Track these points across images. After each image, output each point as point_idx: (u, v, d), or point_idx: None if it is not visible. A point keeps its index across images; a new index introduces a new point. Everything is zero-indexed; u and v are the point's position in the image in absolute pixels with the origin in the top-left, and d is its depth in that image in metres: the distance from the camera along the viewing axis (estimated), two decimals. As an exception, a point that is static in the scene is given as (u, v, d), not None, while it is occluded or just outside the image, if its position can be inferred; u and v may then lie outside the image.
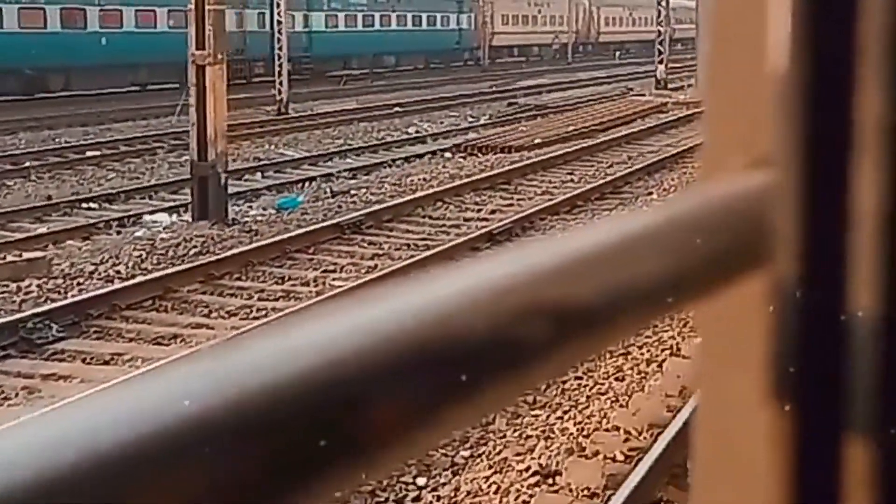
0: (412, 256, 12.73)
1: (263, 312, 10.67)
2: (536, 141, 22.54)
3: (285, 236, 13.37)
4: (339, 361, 0.52)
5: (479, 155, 21.46)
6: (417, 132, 26.32)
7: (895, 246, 0.84)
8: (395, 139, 25.03)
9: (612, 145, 22.57)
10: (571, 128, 24.90)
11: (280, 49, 29.84)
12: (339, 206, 15.70)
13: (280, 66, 29.83)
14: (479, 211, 15.75)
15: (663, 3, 34.22)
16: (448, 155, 21.88)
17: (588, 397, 8.15)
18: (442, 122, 28.55)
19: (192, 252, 12.90)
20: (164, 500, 0.45)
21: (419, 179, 17.99)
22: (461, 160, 20.93)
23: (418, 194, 16.42)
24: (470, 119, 29.36)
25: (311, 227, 13.92)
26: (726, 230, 0.84)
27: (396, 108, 30.89)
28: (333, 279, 11.91)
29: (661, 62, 34.78)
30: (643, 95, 33.37)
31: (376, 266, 12.42)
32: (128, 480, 0.44)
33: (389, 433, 0.54)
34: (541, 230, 14.40)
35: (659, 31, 34.74)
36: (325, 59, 40.33)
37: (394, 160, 21.44)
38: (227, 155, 14.27)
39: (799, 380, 0.86)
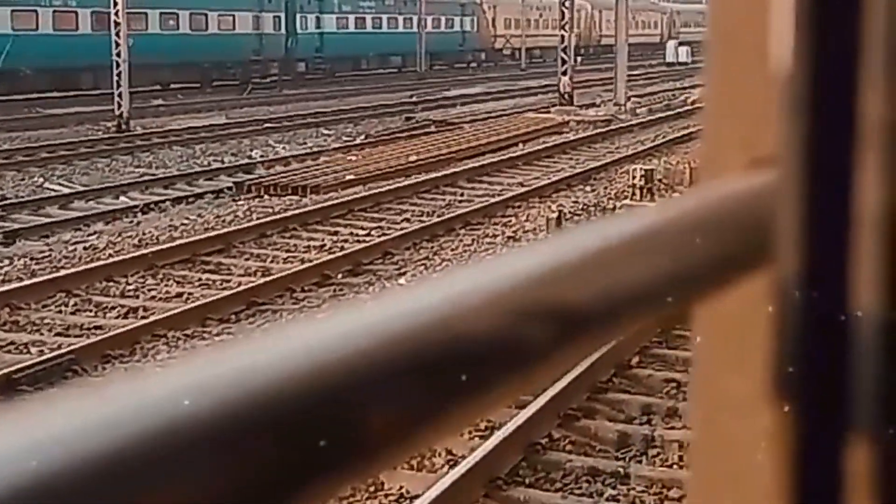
0: None
1: None
2: (349, 177, 16.99)
3: None
4: (340, 362, 0.51)
5: (267, 197, 16.00)
6: (262, 156, 20.84)
7: None
8: (218, 167, 19.40)
9: (445, 182, 17.04)
10: (416, 158, 19.01)
11: (119, 55, 24.51)
12: None
13: (119, 74, 24.52)
14: (104, 312, 10.10)
15: (567, 4, 27.88)
16: (236, 196, 16.24)
17: None
18: (304, 143, 22.92)
19: None
20: (162, 500, 0.44)
21: (87, 248, 12.47)
22: (238, 204, 15.49)
23: (51, 275, 10.95)
24: (344, 138, 23.71)
25: None
26: (728, 230, 0.82)
27: (267, 125, 25.48)
28: None
29: (564, 73, 27.90)
30: (548, 111, 27.00)
31: None
32: (126, 480, 0.42)
33: (390, 433, 0.53)
34: (126, 357, 8.98)
35: (562, 37, 28.20)
36: (336, 58, 40.82)
37: (158, 202, 15.85)
38: None
39: (800, 380, 0.85)
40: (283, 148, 22.27)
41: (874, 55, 0.83)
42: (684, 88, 35.33)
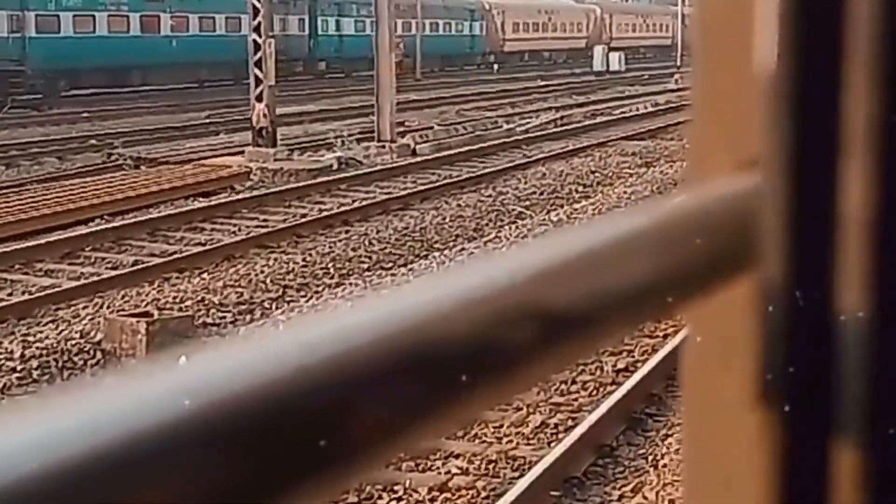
0: None
1: None
2: None
3: None
4: (336, 362, 0.50)
5: None
6: None
7: (881, 247, 0.80)
8: None
9: None
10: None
11: None
12: None
13: None
14: None
15: (259, 1, 17.53)
16: None
17: None
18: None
19: None
20: (162, 498, 0.43)
21: None
22: None
23: None
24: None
25: None
26: (713, 232, 0.80)
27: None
28: None
29: (259, 99, 17.43)
30: (242, 153, 17.60)
31: None
32: (126, 478, 0.41)
33: (385, 432, 0.52)
34: None
35: (254, 45, 17.57)
36: (354, 59, 41.52)
37: None
38: None
39: (787, 381, 0.83)
40: None
41: (858, 57, 0.80)
42: (581, 105, 28.27)
